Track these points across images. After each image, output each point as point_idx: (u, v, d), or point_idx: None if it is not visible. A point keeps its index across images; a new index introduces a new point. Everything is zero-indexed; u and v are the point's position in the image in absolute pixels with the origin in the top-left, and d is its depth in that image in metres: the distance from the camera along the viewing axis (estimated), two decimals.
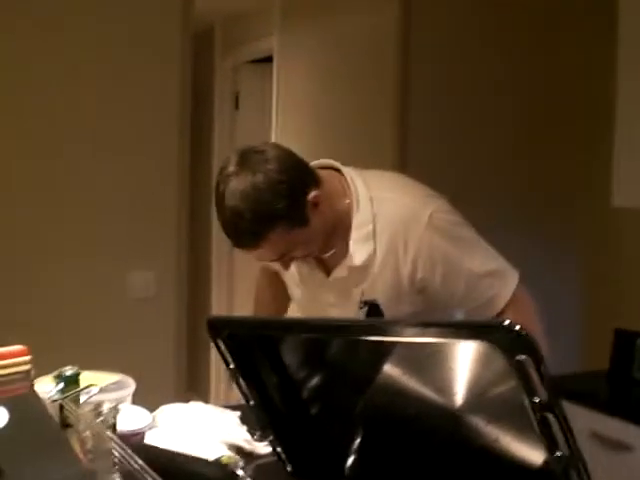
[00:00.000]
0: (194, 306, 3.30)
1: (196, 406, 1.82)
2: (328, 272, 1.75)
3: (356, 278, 1.70)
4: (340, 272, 1.72)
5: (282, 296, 2.03)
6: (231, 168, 1.55)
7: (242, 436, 1.60)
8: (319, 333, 1.11)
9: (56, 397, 1.24)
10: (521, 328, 0.70)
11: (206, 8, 4.11)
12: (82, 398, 1.33)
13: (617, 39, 2.66)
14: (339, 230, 1.68)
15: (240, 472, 1.40)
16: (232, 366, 1.17)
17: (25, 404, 1.37)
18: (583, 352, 3.58)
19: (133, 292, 2.89)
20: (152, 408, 1.69)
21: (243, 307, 4.71)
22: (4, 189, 2.69)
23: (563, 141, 3.67)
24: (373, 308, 1.70)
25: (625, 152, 2.67)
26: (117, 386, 1.66)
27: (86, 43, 2.79)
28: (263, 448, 1.54)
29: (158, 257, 2.93)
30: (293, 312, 2.03)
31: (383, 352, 1.03)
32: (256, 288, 2.15)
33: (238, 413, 1.73)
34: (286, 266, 1.70)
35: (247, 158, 1.55)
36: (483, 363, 0.84)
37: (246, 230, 1.54)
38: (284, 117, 4.21)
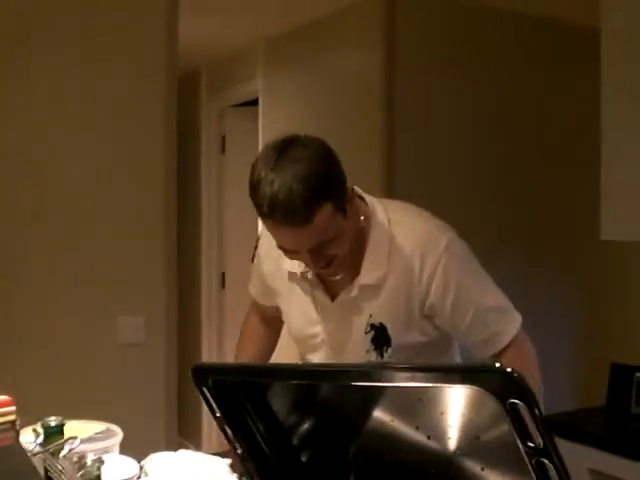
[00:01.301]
0: (184, 351, 3.25)
1: (185, 454, 1.77)
2: (332, 298, 1.72)
3: (366, 298, 1.67)
4: (351, 292, 1.67)
5: (272, 333, 2.02)
6: (282, 145, 1.53)
7: None
8: (307, 379, 1.08)
9: (37, 450, 1.20)
10: (513, 370, 0.68)
11: (192, 52, 4.14)
12: (65, 449, 1.29)
13: (601, 75, 2.67)
14: (353, 248, 1.64)
15: None
16: (218, 414, 1.14)
17: (9, 456, 1.33)
18: (579, 387, 3.55)
19: (122, 337, 2.85)
20: (142, 457, 1.65)
21: (233, 352, 4.67)
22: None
23: (552, 174, 3.68)
24: (380, 332, 1.67)
25: (612, 187, 2.67)
26: (104, 435, 1.63)
27: (70, 84, 2.78)
28: None
29: (147, 302, 2.90)
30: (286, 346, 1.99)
31: (374, 396, 1.01)
32: (245, 325, 2.10)
33: (228, 461, 1.69)
34: (316, 265, 1.60)
35: (295, 141, 1.55)
36: (476, 407, 0.81)
37: (300, 202, 1.47)
38: None
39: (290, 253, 1.60)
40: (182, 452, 1.79)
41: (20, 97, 2.73)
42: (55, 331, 2.76)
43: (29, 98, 2.74)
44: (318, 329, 1.76)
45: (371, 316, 1.68)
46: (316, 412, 1.14)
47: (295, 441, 1.18)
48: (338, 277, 1.67)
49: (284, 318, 1.88)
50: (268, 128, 4.22)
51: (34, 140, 2.75)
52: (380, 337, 1.67)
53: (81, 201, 2.81)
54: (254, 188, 1.51)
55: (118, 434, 1.64)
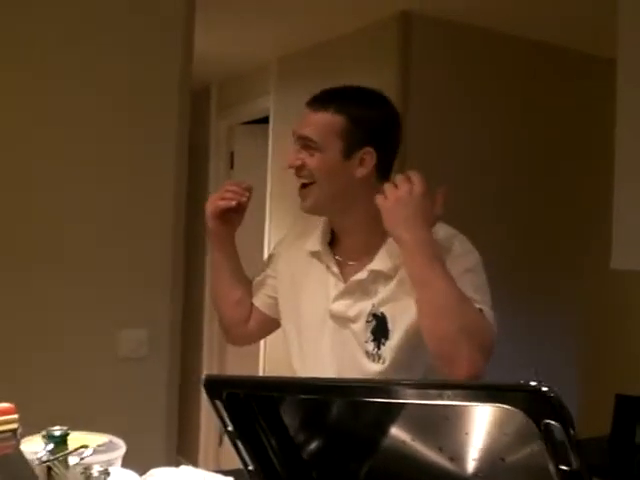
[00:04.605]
0: (184, 366, 3.23)
1: (187, 470, 1.74)
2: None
3: (374, 285, 1.69)
4: (360, 275, 1.70)
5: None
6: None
7: None
8: (326, 394, 1.05)
9: (45, 458, 1.18)
10: (549, 389, 0.66)
11: (202, 69, 4.14)
12: (72, 460, 1.26)
13: (615, 102, 2.67)
14: (370, 237, 1.71)
15: None
16: (230, 428, 1.12)
17: (11, 464, 1.30)
18: (583, 417, 3.51)
19: (124, 351, 2.82)
20: (141, 472, 1.61)
21: (235, 368, 4.63)
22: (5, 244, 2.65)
23: (561, 204, 3.67)
24: (381, 322, 1.68)
25: (623, 215, 2.65)
26: (107, 448, 1.59)
27: (84, 99, 2.77)
28: None
29: (150, 315, 2.87)
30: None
31: (393, 413, 0.98)
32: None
33: (231, 479, 1.66)
34: (293, 158, 1.73)
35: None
36: (504, 426, 0.78)
37: (329, 95, 1.71)
38: (279, 177, 4.21)
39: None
40: (183, 468, 1.76)
41: (33, 108, 2.72)
42: (55, 343, 2.73)
43: (43, 109, 2.73)
44: (329, 306, 1.76)
45: (374, 305, 1.69)
46: (331, 428, 1.11)
47: (307, 457, 1.15)
48: (306, 203, 1.73)
49: (285, 322, 1.88)
50: (278, 146, 4.22)
51: (43, 150, 2.73)
52: (380, 328, 1.68)
53: (87, 212, 2.79)
54: None
55: (121, 447, 1.61)
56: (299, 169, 1.72)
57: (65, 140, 2.75)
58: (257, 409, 1.13)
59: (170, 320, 2.90)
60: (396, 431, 0.98)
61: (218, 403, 1.11)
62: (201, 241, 4.52)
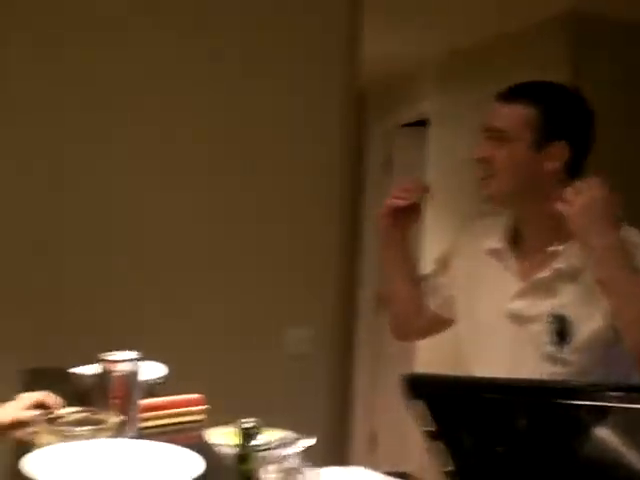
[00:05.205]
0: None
1: (358, 471, 1.72)
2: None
3: (558, 284, 1.66)
4: (543, 273, 1.67)
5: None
6: None
7: None
8: (529, 396, 1.01)
9: (245, 450, 1.19)
10: None
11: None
12: (264, 453, 1.27)
13: None
14: (551, 232, 1.67)
15: None
16: (433, 428, 1.09)
17: (201, 453, 1.34)
18: None
19: (289, 348, 2.86)
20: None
21: (388, 375, 4.60)
22: (180, 249, 2.78)
23: None
24: (562, 324, 1.64)
25: None
26: (281, 443, 1.60)
27: (248, 100, 2.84)
28: None
29: (316, 314, 2.90)
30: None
31: (594, 417, 0.93)
32: None
33: None
34: (481, 150, 1.71)
35: None
36: None
37: (522, 88, 1.70)
38: (438, 181, 4.15)
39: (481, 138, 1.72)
40: (354, 468, 1.74)
41: (204, 111, 2.81)
42: (225, 335, 2.81)
43: (215, 111, 2.81)
44: (507, 305, 1.72)
45: (555, 306, 1.65)
46: (534, 432, 1.07)
47: (506, 462, 1.11)
48: (490, 192, 1.71)
49: (459, 321, 1.87)
50: (438, 149, 4.16)
51: (221, 154, 2.83)
52: (561, 330, 1.64)
53: (261, 214, 2.87)
54: None
55: (301, 442, 1.60)
56: (485, 161, 1.70)
57: (236, 142, 2.83)
58: (457, 408, 1.10)
59: (333, 319, 2.93)
60: (597, 437, 0.93)
61: (420, 402, 1.09)
62: (358, 242, 4.53)
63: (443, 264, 1.97)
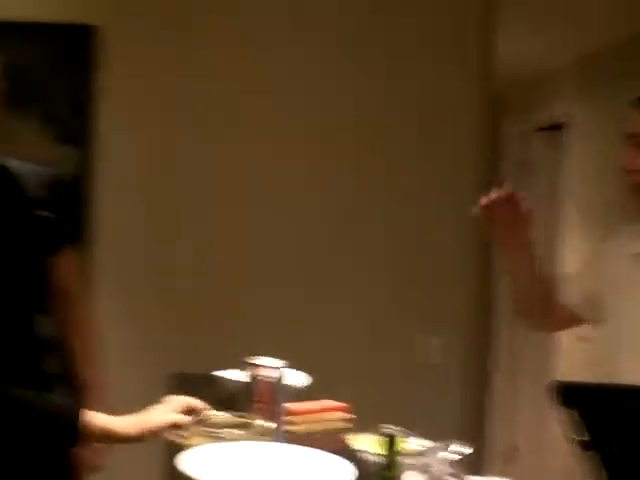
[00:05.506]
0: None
1: None
2: None
3: None
4: None
5: None
6: None
7: None
8: None
9: (391, 457, 1.20)
10: None
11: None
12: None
13: None
14: None
15: None
16: (586, 438, 1.06)
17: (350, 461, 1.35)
18: None
19: (421, 356, 2.85)
20: None
21: (526, 387, 4.48)
22: (324, 258, 2.86)
23: None
24: None
25: None
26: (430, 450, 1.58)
27: (383, 99, 2.89)
28: None
29: (448, 323, 2.89)
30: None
31: None
32: None
33: None
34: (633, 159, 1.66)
35: None
36: None
37: None
38: (577, 187, 4.03)
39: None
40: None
41: (344, 111, 2.87)
42: (356, 341, 2.85)
43: (352, 111, 2.88)
44: None
45: None
46: None
47: None
48: None
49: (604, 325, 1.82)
50: (575, 155, 4.03)
51: (369, 158, 2.90)
52: None
53: (390, 214, 2.89)
54: None
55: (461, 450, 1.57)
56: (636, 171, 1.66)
57: (372, 145, 2.89)
58: (610, 416, 1.06)
59: (466, 329, 2.92)
60: None
61: (572, 411, 1.06)
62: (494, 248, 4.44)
63: (585, 267, 1.94)
